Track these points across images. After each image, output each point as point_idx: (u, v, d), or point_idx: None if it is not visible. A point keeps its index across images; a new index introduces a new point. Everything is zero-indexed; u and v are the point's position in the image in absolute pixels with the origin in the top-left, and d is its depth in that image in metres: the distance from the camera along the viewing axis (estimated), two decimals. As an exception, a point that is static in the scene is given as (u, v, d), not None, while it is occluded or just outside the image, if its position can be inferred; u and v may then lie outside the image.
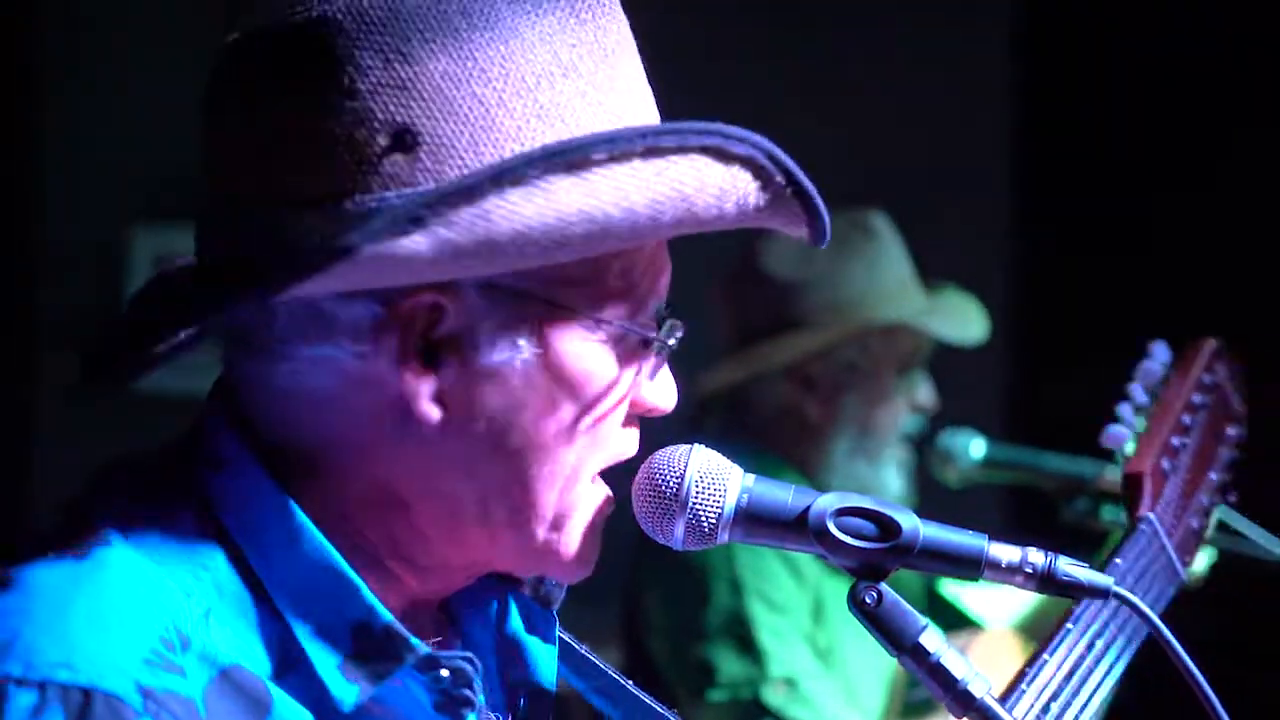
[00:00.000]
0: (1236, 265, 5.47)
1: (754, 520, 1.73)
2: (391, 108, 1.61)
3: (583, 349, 1.67)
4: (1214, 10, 5.45)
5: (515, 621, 1.83)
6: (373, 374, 1.64)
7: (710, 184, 1.64)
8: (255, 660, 1.62)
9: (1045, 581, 1.72)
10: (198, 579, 1.62)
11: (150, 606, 1.58)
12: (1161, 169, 5.58)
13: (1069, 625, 2.00)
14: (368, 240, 1.56)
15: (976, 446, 3.62)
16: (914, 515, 1.73)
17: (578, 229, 1.59)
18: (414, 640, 1.65)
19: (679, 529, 1.73)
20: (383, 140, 1.61)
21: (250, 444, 1.67)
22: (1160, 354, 2.31)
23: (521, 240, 1.58)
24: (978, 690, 1.72)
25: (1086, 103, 5.69)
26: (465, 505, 1.68)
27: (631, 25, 1.73)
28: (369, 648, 1.64)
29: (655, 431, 1.79)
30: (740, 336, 3.85)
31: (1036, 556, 1.72)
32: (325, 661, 1.63)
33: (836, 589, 3.65)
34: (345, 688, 1.63)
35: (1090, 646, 2.01)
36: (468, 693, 1.67)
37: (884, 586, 1.73)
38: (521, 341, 1.66)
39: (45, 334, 5.12)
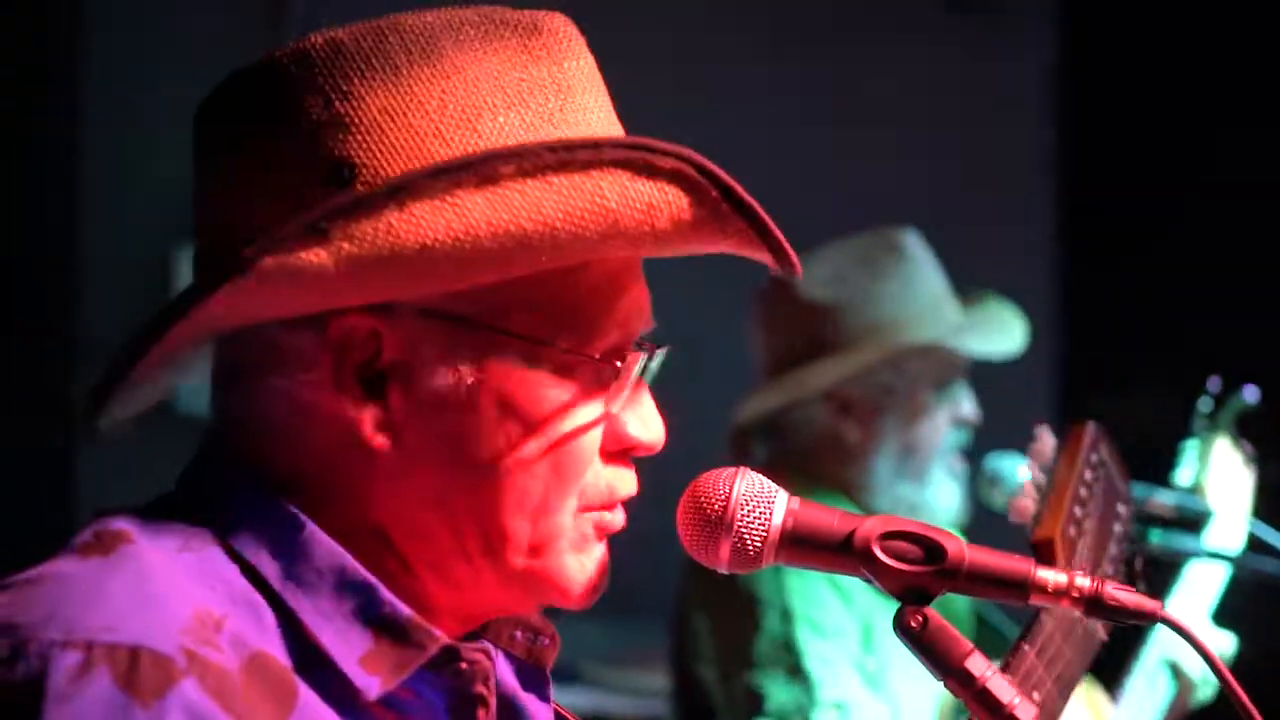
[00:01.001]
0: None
1: (799, 543, 1.72)
2: (330, 144, 1.63)
3: (527, 376, 1.66)
4: (1264, 11, 5.43)
5: (506, 675, 1.80)
6: (322, 403, 1.65)
7: (635, 199, 1.62)
8: (278, 654, 1.62)
9: (1092, 605, 1.72)
10: (212, 589, 1.62)
11: (180, 592, 1.60)
12: (1210, 174, 5.55)
13: (1025, 646, 2.01)
14: (265, 252, 1.58)
15: (1023, 470, 3.60)
16: (960, 538, 1.72)
17: (490, 244, 1.59)
18: (435, 631, 1.66)
19: (724, 552, 1.73)
20: (320, 175, 1.63)
21: (248, 472, 1.68)
22: (1047, 437, 2.37)
23: (430, 255, 1.59)
24: (1024, 715, 1.71)
25: (1131, 107, 5.67)
26: (441, 537, 1.68)
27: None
28: (391, 639, 1.64)
29: (702, 459, 1.78)
30: (776, 363, 3.85)
31: (1083, 581, 1.72)
32: (347, 655, 1.64)
33: (886, 614, 3.63)
34: (367, 679, 1.63)
35: (1049, 665, 2.02)
36: (483, 690, 1.68)
37: (930, 610, 1.72)
38: (464, 368, 1.65)
39: (85, 353, 5.15)
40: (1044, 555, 2.21)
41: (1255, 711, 1.73)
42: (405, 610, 1.66)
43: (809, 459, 3.80)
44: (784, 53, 5.55)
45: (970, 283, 3.99)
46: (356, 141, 1.63)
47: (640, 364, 1.72)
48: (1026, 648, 2.02)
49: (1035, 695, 2.05)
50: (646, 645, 4.40)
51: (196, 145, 1.73)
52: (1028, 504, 2.27)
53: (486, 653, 1.69)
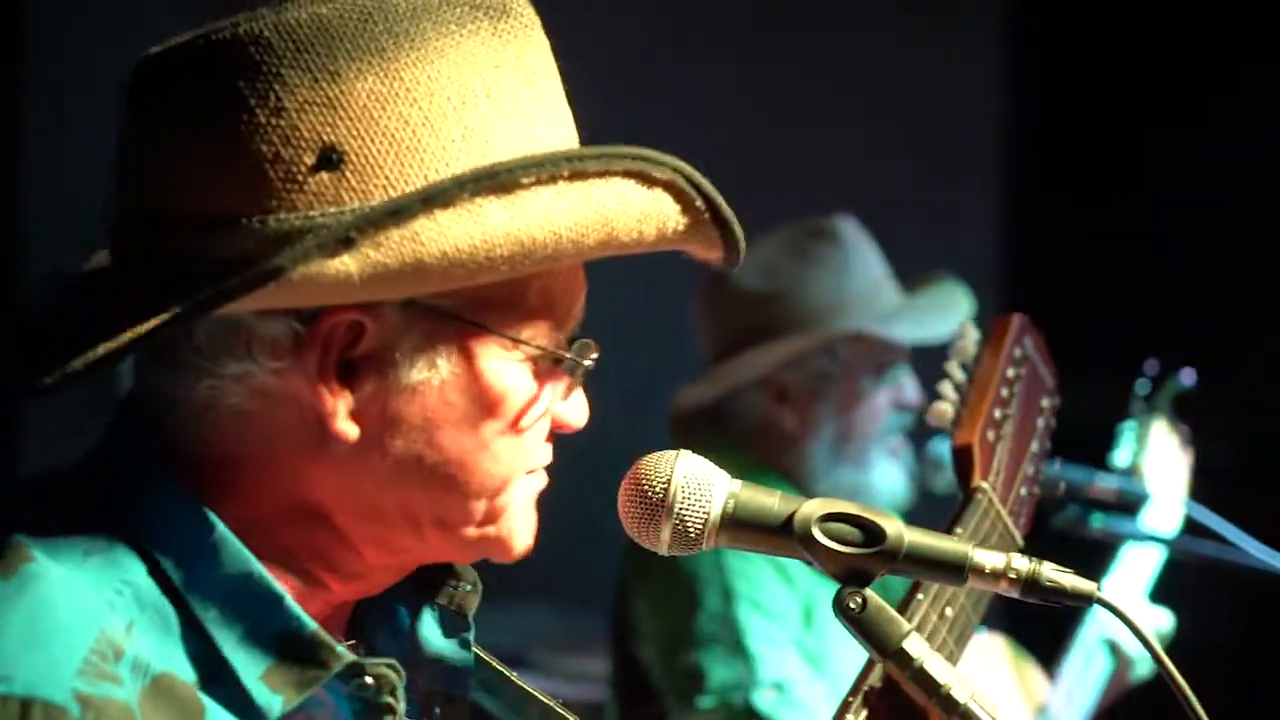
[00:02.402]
0: (1232, 266, 5.48)
1: (740, 526, 1.74)
2: (318, 126, 1.62)
3: (501, 368, 1.68)
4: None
5: (429, 630, 1.82)
6: (290, 391, 1.65)
7: (633, 207, 1.65)
8: (182, 670, 1.62)
9: (1029, 587, 1.73)
10: (119, 593, 1.61)
11: (81, 618, 1.58)
12: (1152, 163, 5.59)
13: (920, 595, 2.02)
14: (298, 262, 1.57)
15: None
16: (899, 521, 1.74)
17: (504, 250, 1.61)
18: (339, 648, 1.66)
19: (665, 534, 1.74)
20: (309, 158, 1.62)
21: (165, 456, 1.67)
22: (970, 331, 2.34)
23: (449, 262, 1.60)
24: (961, 695, 1.73)
25: (1077, 94, 5.70)
26: (390, 516, 1.69)
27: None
28: (293, 656, 1.64)
29: (647, 450, 1.79)
30: (715, 352, 3.87)
31: (1020, 562, 1.73)
32: (249, 671, 1.63)
33: (826, 594, 3.64)
34: (270, 697, 1.63)
35: (942, 614, 2.03)
36: (390, 700, 1.68)
37: (869, 592, 1.73)
38: (440, 360, 1.67)
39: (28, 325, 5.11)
40: (963, 463, 2.22)
41: (1189, 689, 1.75)
42: (309, 625, 1.65)
43: (749, 445, 3.81)
44: (739, 50, 5.56)
45: (916, 269, 4.00)
46: (347, 127, 1.62)
47: (589, 353, 1.74)
48: (920, 596, 2.03)
49: (930, 644, 2.05)
50: (594, 632, 4.40)
51: (138, 108, 1.69)
52: (946, 408, 2.27)
53: (394, 667, 1.69)
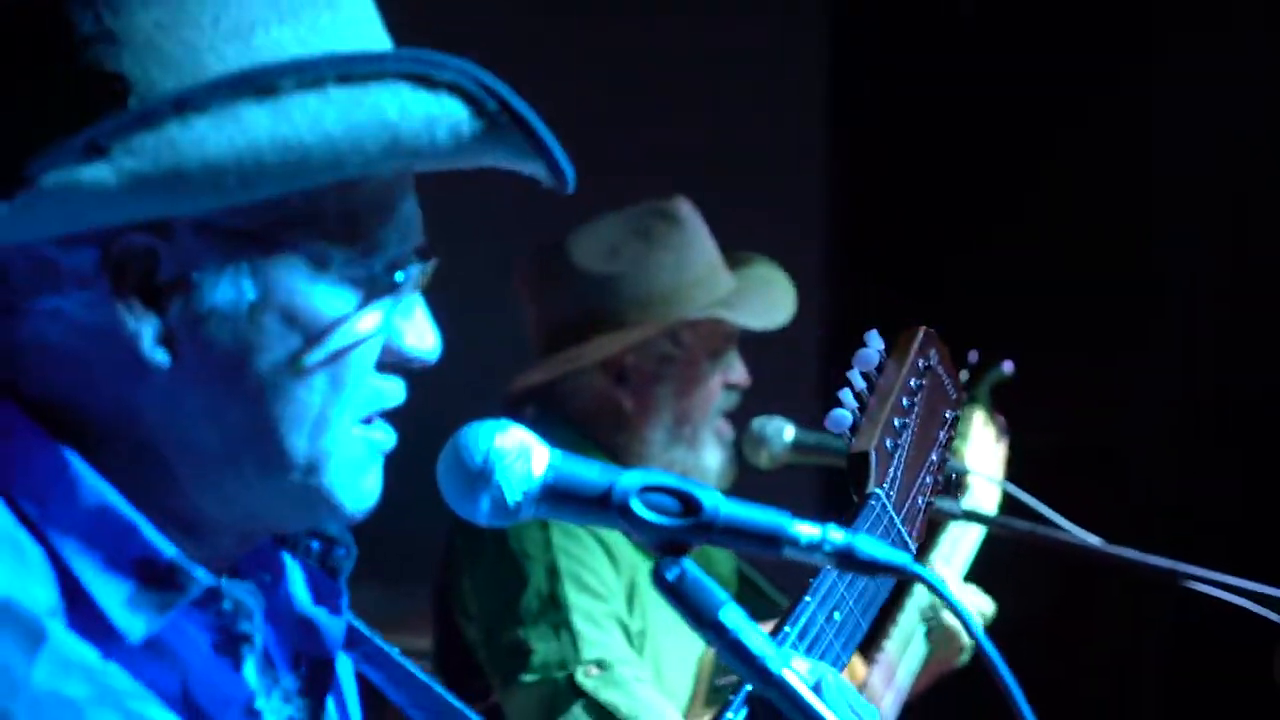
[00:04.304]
0: (1050, 262, 5.57)
1: (559, 496, 1.74)
2: (103, 59, 1.61)
3: (307, 289, 1.66)
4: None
5: (299, 591, 1.82)
6: (103, 323, 1.64)
7: (415, 111, 1.62)
8: (29, 597, 1.60)
9: (845, 559, 1.75)
10: None
11: None
12: (972, 152, 5.66)
13: (807, 598, 2.03)
14: (47, 168, 1.55)
15: (787, 431, 3.66)
16: (717, 492, 1.75)
17: (273, 158, 1.59)
18: (198, 571, 1.65)
19: (484, 504, 1.73)
20: (95, 91, 1.60)
21: (15, 401, 1.66)
22: (874, 341, 2.37)
23: (214, 171, 1.58)
24: (775, 666, 1.74)
25: (900, 85, 5.76)
26: (215, 454, 1.68)
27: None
28: (153, 582, 1.64)
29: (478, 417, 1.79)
30: (551, 334, 3.85)
31: (836, 534, 1.75)
32: (109, 598, 1.63)
33: (650, 573, 3.65)
34: (130, 620, 1.63)
35: (829, 618, 2.05)
36: (246, 627, 1.68)
37: (686, 563, 1.74)
38: (244, 282, 1.65)
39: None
40: (858, 469, 2.24)
41: (1007, 669, 1.77)
42: (167, 552, 1.65)
43: (581, 423, 3.81)
44: (558, 20, 5.55)
45: (740, 249, 4.01)
46: (130, 56, 1.61)
47: (417, 274, 1.72)
48: (808, 599, 2.04)
49: (815, 651, 2.08)
50: (420, 608, 4.39)
51: None
52: (845, 414, 2.28)
53: (254, 593, 1.70)
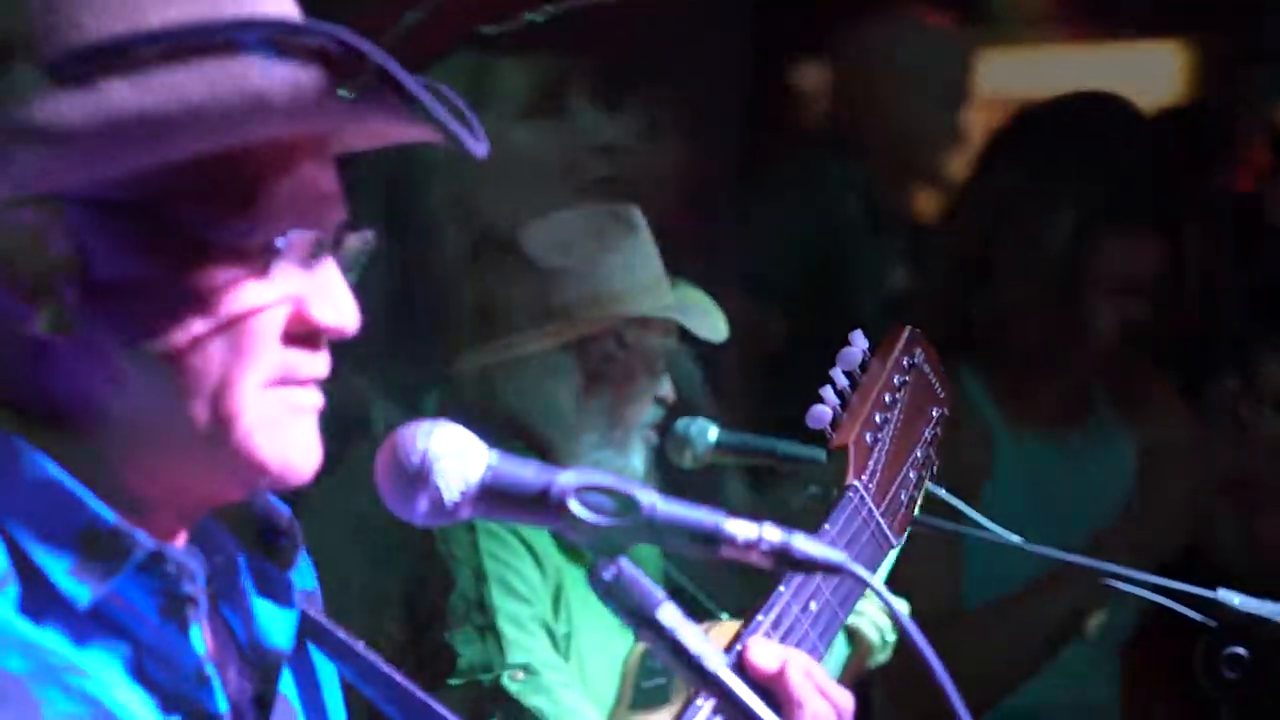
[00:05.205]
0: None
1: (496, 497, 1.74)
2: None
3: (195, 260, 1.66)
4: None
5: (245, 583, 1.81)
6: (2, 308, 1.65)
7: (282, 78, 1.61)
8: None
9: (781, 557, 1.76)
10: None
11: None
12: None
13: (781, 588, 2.05)
14: None
15: (711, 432, 3.67)
16: (653, 492, 1.75)
17: (138, 131, 1.58)
18: (139, 534, 1.66)
19: (421, 504, 1.73)
20: None
21: None
22: (859, 341, 2.39)
23: (77, 142, 1.58)
24: (712, 664, 1.75)
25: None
26: (126, 429, 1.68)
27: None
28: (96, 548, 1.65)
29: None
30: (493, 322, 3.84)
31: (772, 533, 1.76)
32: (56, 568, 1.64)
33: (576, 577, 3.66)
34: (77, 587, 1.64)
35: (805, 608, 2.06)
36: (189, 588, 1.68)
37: (623, 562, 1.75)
38: (132, 257, 1.65)
39: None
40: (837, 462, 2.26)
41: (938, 662, 1.78)
42: (109, 519, 1.66)
43: (516, 418, 3.81)
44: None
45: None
46: (22, 24, 1.60)
47: (311, 245, 1.71)
48: (782, 589, 2.04)
49: (789, 640, 2.08)
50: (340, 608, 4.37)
51: None
52: (825, 410, 2.30)
53: (197, 556, 1.71)
